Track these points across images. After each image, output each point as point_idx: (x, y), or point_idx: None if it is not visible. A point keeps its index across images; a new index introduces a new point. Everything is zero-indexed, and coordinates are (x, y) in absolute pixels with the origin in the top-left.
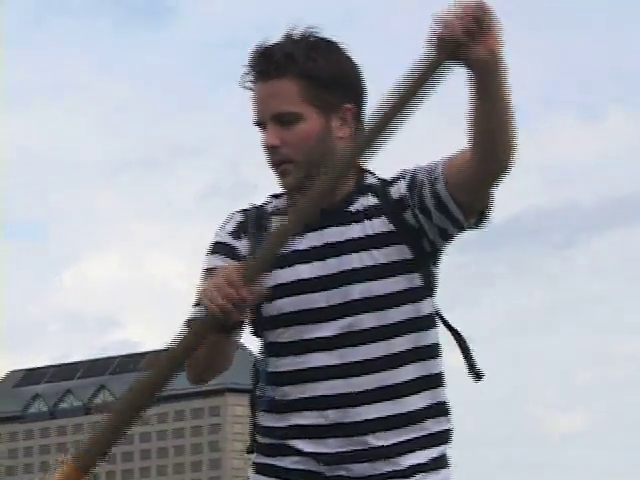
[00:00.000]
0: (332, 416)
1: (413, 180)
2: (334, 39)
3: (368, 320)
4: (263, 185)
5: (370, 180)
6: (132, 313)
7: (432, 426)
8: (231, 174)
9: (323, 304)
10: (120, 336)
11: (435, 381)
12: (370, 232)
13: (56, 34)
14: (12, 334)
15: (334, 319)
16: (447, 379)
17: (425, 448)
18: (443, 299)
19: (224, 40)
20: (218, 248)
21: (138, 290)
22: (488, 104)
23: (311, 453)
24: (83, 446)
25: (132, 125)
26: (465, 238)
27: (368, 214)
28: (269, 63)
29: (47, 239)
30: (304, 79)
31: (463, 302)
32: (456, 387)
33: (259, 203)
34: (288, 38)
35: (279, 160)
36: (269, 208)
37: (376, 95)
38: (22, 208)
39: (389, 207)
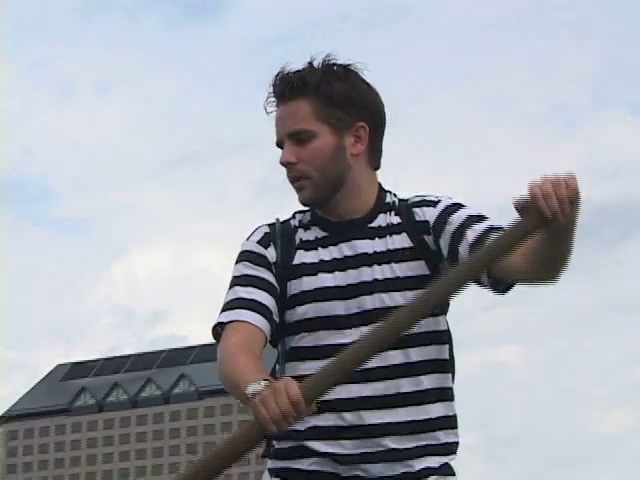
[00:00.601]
0: (349, 418)
1: (447, 216)
2: (350, 63)
3: None
4: None
5: (389, 199)
6: (181, 307)
7: (443, 437)
8: (282, 170)
9: (343, 312)
10: (169, 330)
11: (449, 394)
12: (391, 247)
13: (106, 30)
14: (63, 328)
15: (354, 327)
16: (499, 375)
17: (436, 455)
18: (495, 295)
19: (275, 36)
20: (246, 256)
21: (187, 285)
22: (554, 251)
23: (328, 453)
24: None
25: (182, 121)
26: None
27: (391, 230)
28: (285, 86)
29: (97, 234)
30: (318, 99)
31: (514, 299)
32: (508, 385)
33: (283, 218)
34: (306, 64)
35: (296, 176)
36: (295, 223)
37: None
38: (73, 203)
39: (411, 226)
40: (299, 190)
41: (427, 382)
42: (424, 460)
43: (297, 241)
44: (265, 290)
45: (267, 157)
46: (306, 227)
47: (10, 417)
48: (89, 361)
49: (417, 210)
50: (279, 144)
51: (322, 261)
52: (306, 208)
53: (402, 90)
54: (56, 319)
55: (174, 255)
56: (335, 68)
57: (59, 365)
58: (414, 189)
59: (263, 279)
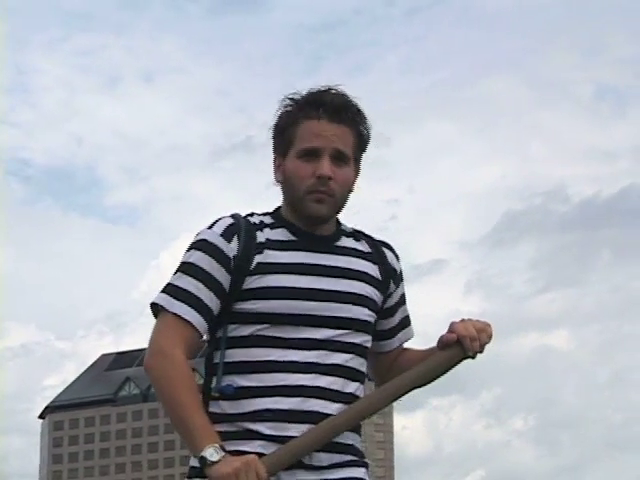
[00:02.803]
0: (295, 404)
1: (402, 280)
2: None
3: (351, 336)
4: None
5: (343, 227)
6: None
7: (359, 441)
8: None
9: (311, 312)
10: None
11: None
12: (363, 270)
13: (152, 19)
14: (113, 318)
15: (322, 327)
16: (551, 359)
17: (357, 456)
18: (548, 278)
19: (320, 22)
20: (206, 248)
21: None
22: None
23: (273, 436)
24: None
25: (231, 109)
26: (568, 218)
27: (361, 255)
28: (345, 111)
29: (146, 223)
30: (356, 135)
31: (566, 282)
32: (560, 369)
33: (244, 214)
34: (346, 95)
35: (325, 191)
36: (255, 221)
37: None
38: (121, 192)
39: (382, 263)
40: (319, 202)
41: (356, 389)
42: (353, 455)
43: (261, 239)
44: (213, 291)
45: None
46: (271, 227)
47: (55, 407)
48: (133, 351)
49: (387, 253)
50: (313, 151)
51: (294, 263)
52: (266, 211)
53: (450, 75)
54: (106, 309)
55: None
56: (363, 111)
57: (103, 355)
58: (464, 173)
59: (214, 278)
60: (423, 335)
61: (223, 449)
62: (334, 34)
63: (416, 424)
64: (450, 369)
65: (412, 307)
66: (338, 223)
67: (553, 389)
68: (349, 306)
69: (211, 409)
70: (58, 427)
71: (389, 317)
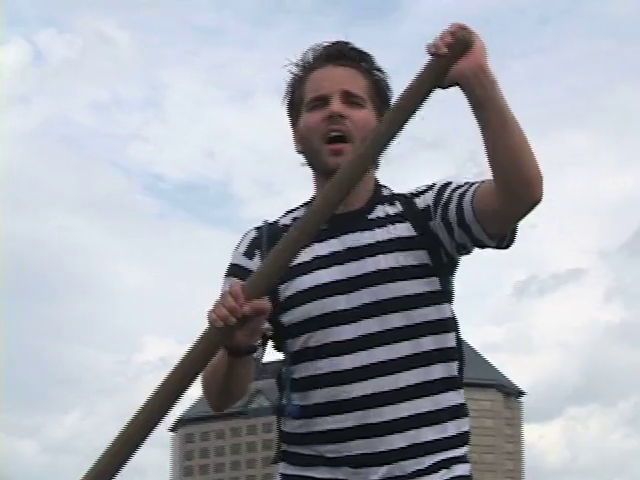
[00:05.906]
0: (357, 418)
1: (440, 194)
2: None
3: (396, 319)
4: None
5: (386, 192)
6: None
7: (453, 428)
8: (471, 166)
9: (346, 306)
10: None
11: (457, 383)
12: (393, 236)
13: (283, 33)
14: None
15: (359, 320)
16: None
17: (445, 450)
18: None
19: None
20: (233, 270)
21: None
22: (485, 119)
23: (337, 459)
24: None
25: None
26: None
27: (391, 220)
28: (347, 52)
29: None
30: (371, 80)
31: None
32: None
33: (272, 220)
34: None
35: (343, 130)
36: (286, 222)
37: None
38: (256, 205)
39: (414, 215)
40: (336, 154)
41: (439, 372)
42: (435, 456)
43: None
44: None
45: (454, 156)
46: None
47: (186, 420)
48: (264, 363)
49: (418, 200)
50: (321, 98)
51: (318, 257)
52: (296, 206)
53: (583, 83)
54: None
55: None
56: (368, 53)
57: None
58: (600, 182)
59: None
60: (564, 345)
61: None
62: None
63: (553, 433)
64: (431, 80)
65: (552, 316)
66: (377, 190)
67: None
68: (388, 285)
69: (283, 428)
70: (189, 440)
71: (452, 231)
